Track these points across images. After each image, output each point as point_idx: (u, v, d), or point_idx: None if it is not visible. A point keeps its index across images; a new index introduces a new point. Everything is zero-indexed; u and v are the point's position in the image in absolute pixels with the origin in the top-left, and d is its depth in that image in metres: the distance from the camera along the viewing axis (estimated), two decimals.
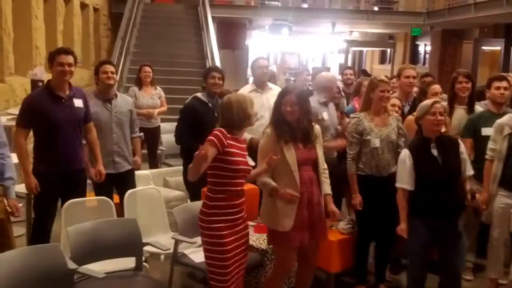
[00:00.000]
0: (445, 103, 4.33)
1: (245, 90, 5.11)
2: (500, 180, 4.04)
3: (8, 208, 3.46)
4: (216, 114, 4.56)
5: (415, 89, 5.16)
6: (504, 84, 4.37)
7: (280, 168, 3.35)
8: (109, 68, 4.52)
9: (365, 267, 4.31)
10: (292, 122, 3.40)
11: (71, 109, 4.02)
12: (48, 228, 4.05)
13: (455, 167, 3.63)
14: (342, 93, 6.08)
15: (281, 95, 3.46)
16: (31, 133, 4.04)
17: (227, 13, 15.47)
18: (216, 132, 3.12)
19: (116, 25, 12.58)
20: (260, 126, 4.28)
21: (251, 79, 21.65)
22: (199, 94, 4.86)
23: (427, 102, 3.70)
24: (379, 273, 4.35)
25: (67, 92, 4.02)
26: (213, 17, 12.79)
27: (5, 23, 6.96)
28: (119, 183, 4.50)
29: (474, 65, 14.58)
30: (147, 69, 6.72)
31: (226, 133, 3.13)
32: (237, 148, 3.17)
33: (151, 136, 6.58)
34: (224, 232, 3.15)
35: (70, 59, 3.95)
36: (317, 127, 3.59)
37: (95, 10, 12.53)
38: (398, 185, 3.69)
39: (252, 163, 3.26)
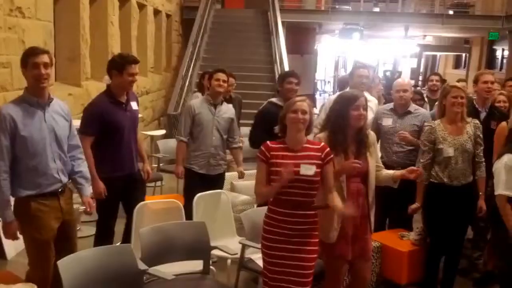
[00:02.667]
0: None
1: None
2: None
3: (79, 206, 3.55)
4: None
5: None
6: None
7: None
8: (222, 76, 4.77)
9: (435, 280, 4.17)
10: (354, 129, 3.29)
11: (130, 113, 4.15)
12: (112, 229, 4.19)
13: None
14: (426, 99, 5.93)
15: (349, 100, 3.31)
16: None
17: (297, 17, 15.45)
18: (261, 147, 3.10)
19: (187, 31, 12.85)
20: None
21: (318, 83, 21.42)
22: (274, 99, 4.89)
23: None
24: (447, 284, 4.19)
25: (125, 96, 4.13)
26: (282, 22, 12.80)
27: (83, 30, 7.25)
28: (209, 184, 4.61)
29: None
30: (232, 80, 6.30)
31: (270, 144, 3.09)
32: (287, 158, 3.03)
33: None
34: (274, 241, 3.08)
35: (136, 69, 4.03)
36: (372, 135, 3.47)
37: (168, 16, 12.85)
38: (502, 192, 3.53)
39: (310, 172, 3.00)
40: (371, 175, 3.36)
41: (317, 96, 18.86)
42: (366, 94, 5.09)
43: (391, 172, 3.48)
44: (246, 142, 6.74)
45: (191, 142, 4.76)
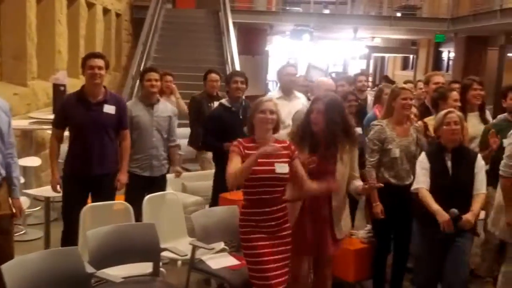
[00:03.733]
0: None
1: (272, 97, 5.09)
2: None
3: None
4: (241, 117, 4.69)
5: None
6: None
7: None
8: (153, 76, 4.63)
9: (383, 278, 4.25)
10: (317, 132, 3.34)
11: (98, 114, 4.07)
12: (77, 232, 4.09)
13: (466, 181, 3.59)
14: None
15: (313, 102, 3.44)
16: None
17: (248, 18, 15.49)
18: (235, 142, 3.18)
19: (137, 30, 12.68)
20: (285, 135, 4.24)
21: (270, 84, 21.57)
22: (223, 100, 4.93)
23: (441, 113, 3.71)
24: (396, 284, 4.28)
25: (99, 97, 4.08)
26: (234, 23, 12.82)
27: (29, 28, 7.04)
28: (152, 186, 4.52)
29: (499, 73, 14.37)
30: (169, 78, 6.37)
31: (244, 142, 3.17)
32: (259, 156, 3.07)
33: None
34: (255, 241, 3.16)
35: (100, 62, 4.03)
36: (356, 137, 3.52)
37: (117, 15, 12.63)
38: (417, 186, 3.66)
39: (284, 170, 3.13)
40: (342, 179, 3.42)
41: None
42: (296, 92, 5.22)
43: (357, 184, 3.51)
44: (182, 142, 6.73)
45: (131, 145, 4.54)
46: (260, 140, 3.19)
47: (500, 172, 3.74)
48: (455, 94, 4.49)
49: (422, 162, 3.68)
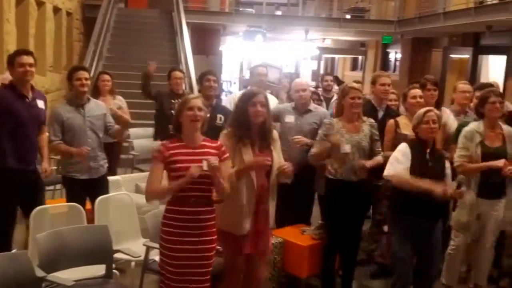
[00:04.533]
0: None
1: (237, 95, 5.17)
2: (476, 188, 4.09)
3: None
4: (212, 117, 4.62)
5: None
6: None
7: None
8: (83, 74, 4.50)
9: (333, 273, 4.35)
10: (256, 124, 3.41)
11: (36, 109, 4.10)
12: (10, 236, 4.06)
13: (441, 175, 3.75)
14: (322, 98, 6.24)
15: (249, 96, 3.45)
16: None
17: (201, 19, 15.45)
18: (159, 147, 3.14)
19: (89, 29, 12.46)
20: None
21: (224, 84, 21.48)
22: None
23: (420, 111, 3.82)
24: (346, 279, 4.39)
25: (30, 93, 4.09)
26: (187, 23, 12.78)
27: None
28: (92, 189, 4.46)
29: (442, 73, 14.86)
30: (106, 77, 6.12)
31: (169, 143, 3.13)
32: (186, 154, 3.10)
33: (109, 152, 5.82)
34: (174, 238, 3.11)
35: (30, 59, 4.02)
36: (274, 132, 3.61)
37: (68, 14, 12.39)
38: (389, 172, 3.75)
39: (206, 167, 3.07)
40: (274, 171, 3.47)
41: (223, 96, 18.98)
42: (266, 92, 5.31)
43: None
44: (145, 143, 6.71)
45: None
46: (187, 139, 3.16)
47: (457, 164, 4.04)
48: (413, 92, 4.67)
49: (405, 152, 3.75)
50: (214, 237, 3.22)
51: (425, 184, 3.58)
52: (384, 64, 19.62)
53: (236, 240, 3.41)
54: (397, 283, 3.84)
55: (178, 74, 6.21)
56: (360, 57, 22.09)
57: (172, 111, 5.68)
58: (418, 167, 3.70)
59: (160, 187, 3.09)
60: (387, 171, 3.77)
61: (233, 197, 3.31)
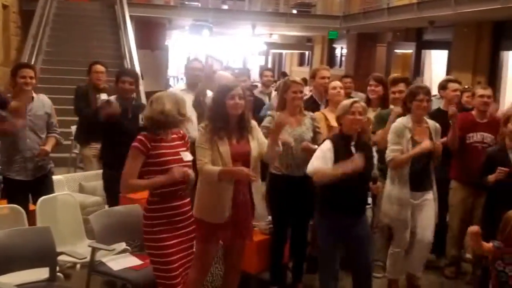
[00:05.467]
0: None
1: (178, 88, 5.21)
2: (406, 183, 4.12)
3: None
4: (130, 116, 4.56)
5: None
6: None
7: (215, 164, 3.34)
8: (28, 72, 4.31)
9: (281, 267, 4.34)
10: (235, 116, 3.41)
11: None
12: None
13: (369, 168, 3.73)
14: (263, 93, 6.23)
15: (226, 89, 3.44)
16: None
17: (145, 12, 15.19)
18: (140, 137, 3.14)
19: (27, 23, 12.00)
20: (190, 127, 4.17)
21: (171, 80, 21.27)
22: (111, 98, 4.67)
23: (347, 102, 3.75)
24: (296, 272, 4.40)
25: None
26: (131, 16, 12.54)
27: None
28: (34, 190, 4.29)
29: (387, 68, 15.23)
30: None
31: (149, 136, 3.15)
32: (165, 148, 3.17)
33: None
34: (164, 235, 3.16)
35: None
36: (253, 122, 3.62)
37: (4, 7, 11.89)
38: (310, 168, 3.65)
39: (189, 157, 3.22)
40: (253, 159, 3.47)
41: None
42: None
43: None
44: None
45: (2, 148, 4.28)
46: (164, 133, 3.21)
47: (389, 158, 4.06)
48: (333, 83, 4.68)
49: (325, 148, 3.66)
50: (193, 227, 3.34)
51: (337, 169, 3.48)
52: (331, 59, 19.94)
53: (210, 228, 3.41)
54: (323, 276, 3.83)
55: (99, 68, 5.88)
56: (307, 53, 22.33)
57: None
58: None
59: (140, 182, 3.14)
60: (309, 169, 3.70)
61: (210, 186, 3.37)
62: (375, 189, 3.95)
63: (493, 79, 10.91)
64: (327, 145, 3.67)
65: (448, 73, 12.38)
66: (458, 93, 5.00)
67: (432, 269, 4.86)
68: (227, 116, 3.41)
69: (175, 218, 3.21)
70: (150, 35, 16.56)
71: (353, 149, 3.67)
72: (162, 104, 3.16)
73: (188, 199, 3.32)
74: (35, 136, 4.32)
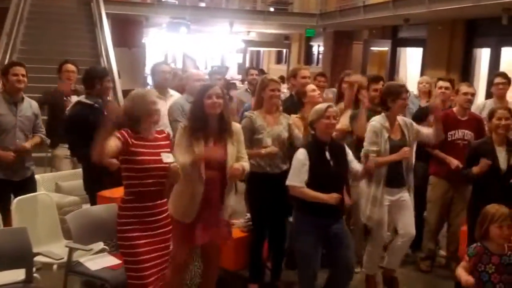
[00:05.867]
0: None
1: None
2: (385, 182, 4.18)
3: None
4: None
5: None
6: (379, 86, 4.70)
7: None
8: (20, 70, 4.30)
9: (260, 265, 4.37)
10: (213, 116, 3.41)
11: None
12: None
13: (344, 170, 3.79)
14: (249, 91, 6.24)
15: (204, 89, 3.46)
16: None
17: (122, 9, 15.05)
18: (122, 131, 3.11)
19: (1, 21, 11.78)
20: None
21: (149, 78, 21.20)
22: (81, 98, 4.60)
23: (321, 106, 3.77)
24: (275, 270, 4.43)
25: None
26: (107, 14, 12.42)
27: None
28: (18, 190, 4.24)
29: (363, 65, 15.38)
30: None
31: (129, 133, 3.13)
32: (145, 147, 3.14)
33: None
34: (136, 234, 3.13)
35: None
36: (237, 126, 3.62)
37: None
38: (291, 183, 3.70)
39: (169, 159, 3.19)
40: (228, 164, 3.47)
41: None
42: (170, 90, 5.21)
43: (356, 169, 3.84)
44: None
45: None
46: (146, 132, 3.19)
47: (362, 153, 4.12)
48: (311, 86, 4.70)
49: (301, 159, 3.67)
50: (170, 227, 3.32)
51: (320, 196, 3.58)
52: (308, 57, 20.03)
53: (185, 229, 3.43)
54: (303, 276, 3.84)
55: (70, 67, 5.79)
56: (284, 50, 22.38)
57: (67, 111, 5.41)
58: (320, 170, 3.66)
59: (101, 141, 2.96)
60: (288, 181, 3.74)
61: (183, 186, 3.40)
62: (368, 166, 3.91)
63: (466, 76, 11.09)
64: (302, 153, 3.69)
65: (422, 70, 12.57)
66: (469, 96, 4.83)
67: (408, 264, 4.94)
68: (205, 116, 3.41)
69: (149, 218, 3.18)
70: (127, 32, 16.42)
71: (327, 154, 3.71)
72: (131, 98, 3.21)
73: (165, 200, 3.30)
74: (24, 136, 4.33)
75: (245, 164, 3.59)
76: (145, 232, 3.16)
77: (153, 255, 3.17)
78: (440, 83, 5.18)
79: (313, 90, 4.64)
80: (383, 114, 4.22)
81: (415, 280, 4.77)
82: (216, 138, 3.47)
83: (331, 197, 3.57)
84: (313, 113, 3.78)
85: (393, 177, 4.17)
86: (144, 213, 3.16)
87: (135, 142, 3.12)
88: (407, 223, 4.22)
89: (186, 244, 3.51)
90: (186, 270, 3.81)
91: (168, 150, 3.26)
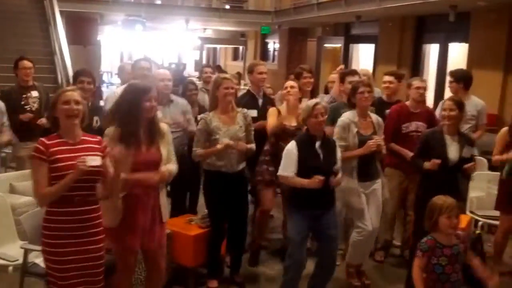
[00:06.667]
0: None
1: (117, 93, 4.91)
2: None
3: None
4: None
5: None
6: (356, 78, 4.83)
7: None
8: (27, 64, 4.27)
9: (218, 261, 4.41)
10: (146, 120, 3.31)
11: None
12: None
13: (333, 164, 3.90)
14: (203, 90, 6.26)
15: (142, 91, 3.29)
16: None
17: (76, 7, 14.78)
18: (35, 145, 2.92)
19: None
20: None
21: (105, 75, 20.83)
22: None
23: (309, 104, 3.87)
24: (234, 265, 4.49)
25: None
26: (61, 11, 12.19)
27: None
28: None
29: (317, 61, 15.62)
30: None
31: (47, 141, 2.92)
32: (68, 152, 2.93)
33: None
34: (60, 242, 2.93)
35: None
36: (164, 126, 3.54)
37: None
38: (281, 173, 3.84)
39: (96, 162, 2.88)
40: (163, 165, 3.41)
41: (104, 88, 18.35)
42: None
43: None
44: None
45: None
46: (66, 135, 2.98)
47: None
48: (285, 83, 4.79)
49: (290, 149, 3.82)
50: (102, 236, 3.10)
51: (304, 182, 3.72)
52: (264, 54, 20.18)
53: (124, 236, 3.32)
54: (290, 264, 3.93)
55: (26, 63, 5.66)
56: (241, 47, 22.45)
57: (27, 107, 5.36)
58: (310, 162, 3.78)
59: (52, 189, 2.87)
60: (279, 171, 3.88)
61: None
62: (335, 182, 3.93)
63: (416, 71, 11.43)
64: (292, 145, 3.82)
65: (374, 66, 12.88)
66: (421, 91, 4.97)
67: None
68: (140, 120, 3.26)
69: (76, 224, 2.95)
70: (82, 30, 16.17)
71: (318, 147, 3.83)
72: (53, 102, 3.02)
73: (92, 207, 3.02)
74: None
75: (172, 167, 3.49)
76: (71, 239, 2.94)
77: (80, 264, 2.98)
78: (385, 77, 5.33)
79: (285, 88, 4.70)
80: (353, 110, 4.35)
81: (370, 271, 4.80)
82: (148, 142, 3.34)
83: (312, 181, 3.67)
84: (303, 111, 3.92)
85: (366, 171, 4.30)
86: (68, 218, 2.93)
87: (53, 149, 2.89)
88: (374, 215, 4.36)
89: (125, 249, 3.36)
90: (133, 274, 3.67)
91: (97, 153, 2.98)
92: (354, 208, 4.32)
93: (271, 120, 4.59)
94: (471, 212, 5.37)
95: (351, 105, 4.39)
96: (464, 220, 4.42)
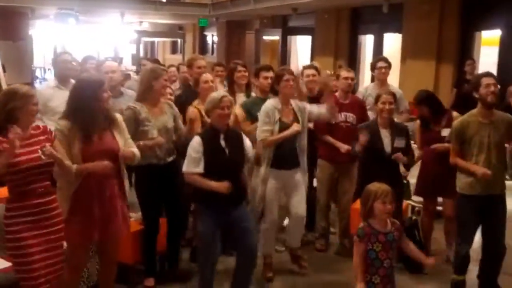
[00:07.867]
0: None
1: (48, 86, 4.98)
2: (272, 162, 4.32)
3: None
4: None
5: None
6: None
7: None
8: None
9: (154, 257, 4.34)
10: (102, 111, 3.32)
11: None
12: None
13: (240, 158, 3.85)
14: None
15: (98, 83, 3.33)
16: None
17: (4, 1, 14.15)
18: None
19: None
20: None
21: (38, 71, 20.11)
22: None
23: (215, 95, 3.80)
24: (171, 261, 4.45)
25: None
26: None
27: None
28: None
29: (256, 54, 15.69)
30: None
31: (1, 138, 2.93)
32: (22, 146, 2.95)
33: None
34: (24, 235, 3.02)
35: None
36: (119, 116, 3.54)
37: None
38: (186, 170, 3.73)
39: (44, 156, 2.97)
40: (121, 155, 3.40)
41: (37, 84, 17.71)
42: (72, 80, 5.08)
43: None
44: None
45: None
46: (23, 130, 2.99)
47: (260, 138, 4.25)
48: (204, 77, 4.73)
49: (195, 147, 3.71)
50: (62, 225, 3.20)
51: (212, 185, 3.62)
52: (203, 47, 20.06)
53: (77, 226, 3.28)
54: (201, 257, 3.89)
55: None
56: (179, 40, 22.23)
57: None
58: (215, 157, 3.69)
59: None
60: (183, 168, 3.78)
61: (62, 183, 3.27)
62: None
63: (353, 62, 11.71)
64: (196, 141, 3.72)
65: (312, 57, 13.06)
66: (349, 81, 5.03)
67: (304, 244, 4.97)
68: (96, 112, 3.30)
69: (37, 216, 3.07)
70: (11, 25, 15.58)
71: (222, 142, 3.74)
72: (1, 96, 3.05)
73: (52, 197, 3.15)
74: None
75: (135, 150, 3.53)
76: (35, 231, 3.05)
77: (44, 255, 3.07)
78: (306, 71, 5.33)
79: (206, 82, 4.65)
80: (276, 97, 4.36)
81: (311, 259, 4.83)
82: (101, 131, 3.34)
83: (221, 186, 3.60)
84: (208, 102, 3.81)
85: (286, 158, 4.32)
86: (31, 211, 3.04)
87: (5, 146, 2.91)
88: (297, 203, 4.41)
89: (79, 242, 3.37)
90: (83, 268, 3.70)
91: (49, 144, 3.05)
92: (263, 198, 4.34)
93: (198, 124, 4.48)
94: (406, 198, 5.54)
95: (274, 92, 4.39)
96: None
